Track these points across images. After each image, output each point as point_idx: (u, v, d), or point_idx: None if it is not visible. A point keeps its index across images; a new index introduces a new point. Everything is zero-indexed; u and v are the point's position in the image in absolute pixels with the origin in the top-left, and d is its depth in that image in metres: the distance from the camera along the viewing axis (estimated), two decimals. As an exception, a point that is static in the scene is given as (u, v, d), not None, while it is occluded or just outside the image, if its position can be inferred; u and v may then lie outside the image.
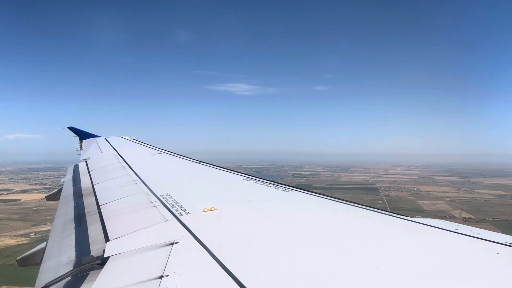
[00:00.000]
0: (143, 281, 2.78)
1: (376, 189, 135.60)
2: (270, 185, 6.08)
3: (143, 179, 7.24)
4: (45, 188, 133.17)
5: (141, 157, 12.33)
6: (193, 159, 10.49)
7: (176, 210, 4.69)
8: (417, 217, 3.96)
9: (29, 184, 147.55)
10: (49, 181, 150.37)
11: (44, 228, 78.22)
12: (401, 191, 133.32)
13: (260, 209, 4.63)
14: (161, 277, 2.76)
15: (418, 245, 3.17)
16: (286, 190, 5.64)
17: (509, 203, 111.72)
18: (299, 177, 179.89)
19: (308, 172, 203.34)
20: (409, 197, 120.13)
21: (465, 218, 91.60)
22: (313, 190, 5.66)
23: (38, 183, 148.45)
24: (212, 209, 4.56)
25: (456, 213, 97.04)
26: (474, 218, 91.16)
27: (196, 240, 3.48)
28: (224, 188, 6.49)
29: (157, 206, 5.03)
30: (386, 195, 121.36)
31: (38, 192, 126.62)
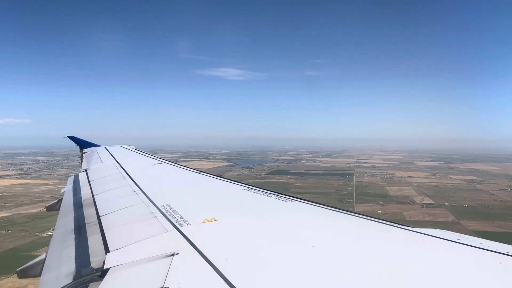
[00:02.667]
0: None
1: (351, 174, 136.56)
2: (270, 195, 6.06)
3: (143, 190, 7.23)
4: (20, 174, 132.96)
5: (141, 167, 12.33)
6: (193, 170, 10.50)
7: (177, 221, 4.68)
8: (416, 227, 3.95)
9: (6, 170, 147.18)
10: (27, 166, 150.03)
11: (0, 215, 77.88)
12: (375, 176, 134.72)
13: (260, 219, 4.63)
14: None
15: (420, 256, 3.17)
16: (287, 200, 5.63)
17: (475, 189, 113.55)
18: (282, 162, 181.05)
19: (293, 158, 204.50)
20: (380, 183, 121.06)
21: (425, 203, 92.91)
22: (314, 201, 5.65)
23: (15, 169, 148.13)
24: (213, 219, 4.56)
25: (418, 198, 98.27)
26: (434, 204, 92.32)
27: (197, 251, 3.48)
28: (225, 199, 6.47)
29: (158, 217, 5.02)
30: (358, 181, 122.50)
31: (11, 178, 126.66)
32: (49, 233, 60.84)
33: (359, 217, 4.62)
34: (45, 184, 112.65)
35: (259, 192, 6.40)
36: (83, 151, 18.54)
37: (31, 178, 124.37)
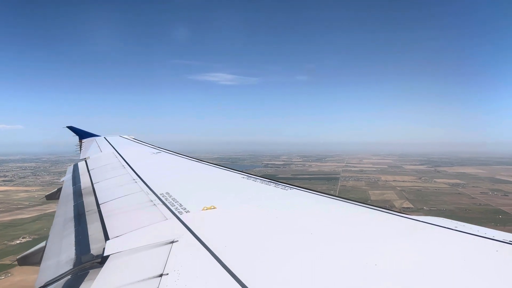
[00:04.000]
0: (143, 280, 2.79)
1: (337, 178, 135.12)
2: (269, 183, 6.10)
3: (142, 178, 7.25)
4: (3, 181, 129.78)
5: (140, 156, 12.35)
6: (193, 158, 10.53)
7: (176, 208, 4.71)
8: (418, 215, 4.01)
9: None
10: (13, 173, 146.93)
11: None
12: (360, 180, 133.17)
13: (259, 207, 4.66)
14: (161, 275, 2.77)
15: (418, 243, 3.19)
16: (286, 188, 5.66)
17: (457, 192, 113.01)
18: (271, 167, 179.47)
19: (283, 162, 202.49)
20: (363, 187, 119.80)
21: (404, 207, 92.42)
22: (312, 189, 5.69)
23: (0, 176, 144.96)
24: (212, 207, 4.58)
25: (398, 202, 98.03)
26: (413, 208, 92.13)
27: (196, 238, 3.50)
28: (224, 187, 6.50)
29: (157, 205, 5.04)
30: (342, 185, 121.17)
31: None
32: (17, 241, 59.75)
33: (358, 205, 4.65)
34: (26, 191, 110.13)
35: (258, 180, 6.44)
36: (82, 141, 18.60)
37: (14, 185, 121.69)
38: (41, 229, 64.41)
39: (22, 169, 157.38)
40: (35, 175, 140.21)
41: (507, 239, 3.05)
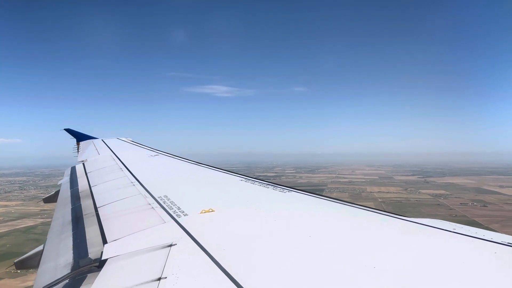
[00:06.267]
0: (141, 283, 2.78)
1: (322, 190, 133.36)
2: (267, 186, 6.11)
3: (140, 181, 7.24)
4: None
5: (138, 158, 12.31)
6: (191, 161, 10.50)
7: (174, 211, 4.69)
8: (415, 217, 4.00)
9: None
10: (0, 188, 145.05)
11: None
12: (345, 192, 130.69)
13: (258, 210, 4.65)
14: (159, 279, 2.76)
15: (416, 245, 3.18)
16: (284, 191, 5.66)
17: (437, 203, 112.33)
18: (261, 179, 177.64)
19: (275, 174, 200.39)
20: (346, 199, 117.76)
21: None
22: (311, 191, 5.69)
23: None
24: (210, 210, 4.57)
25: None
26: None
27: (194, 241, 3.49)
28: (222, 190, 6.49)
29: (155, 208, 5.03)
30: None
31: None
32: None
33: (356, 207, 4.65)
34: (6, 206, 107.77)
35: (256, 183, 6.43)
36: (80, 144, 18.48)
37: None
38: (4, 245, 63.49)
39: (11, 183, 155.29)
40: (22, 189, 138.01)
41: (506, 241, 3.05)
